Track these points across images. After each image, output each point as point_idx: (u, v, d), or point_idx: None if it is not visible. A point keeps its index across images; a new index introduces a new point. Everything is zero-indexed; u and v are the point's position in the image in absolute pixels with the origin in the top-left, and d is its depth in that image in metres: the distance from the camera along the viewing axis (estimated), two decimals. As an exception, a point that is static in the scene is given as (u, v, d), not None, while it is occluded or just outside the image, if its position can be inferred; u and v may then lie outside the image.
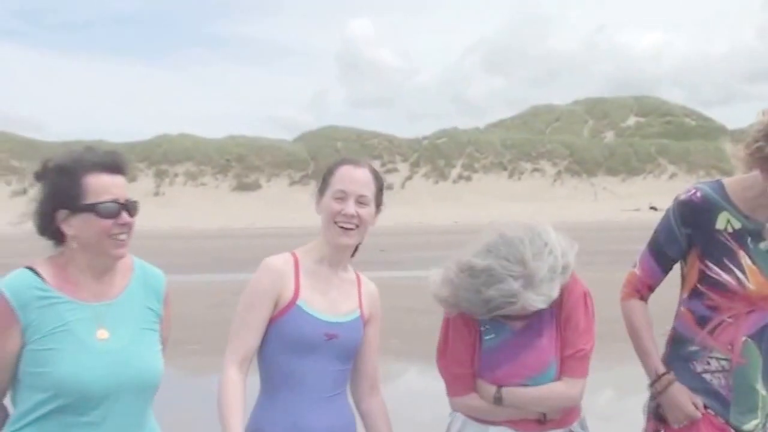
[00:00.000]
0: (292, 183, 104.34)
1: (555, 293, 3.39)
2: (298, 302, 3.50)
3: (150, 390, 3.24)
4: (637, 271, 3.66)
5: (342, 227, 3.50)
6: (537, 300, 3.36)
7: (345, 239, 3.53)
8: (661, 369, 3.58)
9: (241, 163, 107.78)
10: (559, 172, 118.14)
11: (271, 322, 3.50)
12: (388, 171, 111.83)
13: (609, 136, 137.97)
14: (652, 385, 3.58)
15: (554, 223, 3.54)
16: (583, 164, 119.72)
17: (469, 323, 3.59)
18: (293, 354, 3.48)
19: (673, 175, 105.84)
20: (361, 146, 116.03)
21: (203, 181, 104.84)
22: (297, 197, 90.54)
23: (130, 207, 3.19)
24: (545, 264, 3.35)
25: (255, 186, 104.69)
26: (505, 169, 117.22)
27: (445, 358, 3.68)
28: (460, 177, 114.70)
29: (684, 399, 3.50)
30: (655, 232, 3.63)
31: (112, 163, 3.16)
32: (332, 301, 3.57)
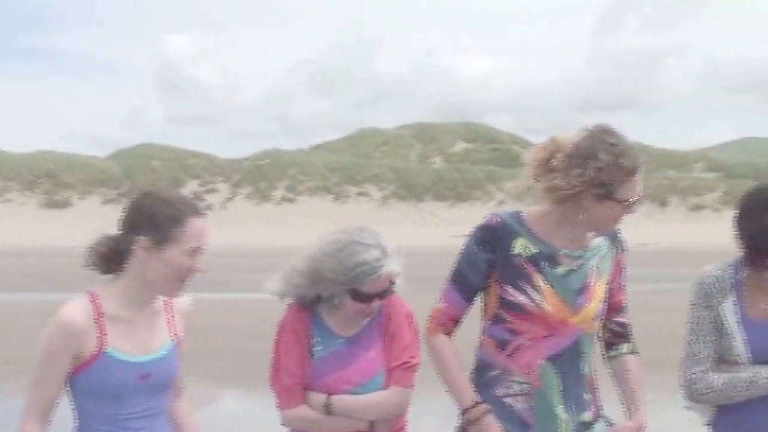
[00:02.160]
0: (106, 201, 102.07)
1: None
2: (106, 350, 3.42)
3: None
4: (441, 305, 3.72)
5: (184, 281, 3.45)
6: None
7: (183, 292, 3.49)
8: (476, 398, 3.62)
9: (51, 179, 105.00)
10: (385, 197, 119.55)
11: (77, 372, 3.42)
12: (208, 191, 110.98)
13: (437, 161, 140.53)
14: (465, 413, 3.62)
15: None
16: (410, 189, 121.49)
17: (300, 336, 3.82)
18: (108, 402, 3.43)
19: (501, 202, 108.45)
20: (179, 165, 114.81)
21: (9, 197, 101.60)
22: (111, 216, 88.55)
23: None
24: (387, 239, 3.84)
25: (65, 204, 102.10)
26: (329, 192, 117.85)
27: (276, 371, 3.84)
28: (283, 199, 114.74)
29: (496, 429, 3.57)
30: (456, 263, 3.71)
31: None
32: (142, 340, 3.48)
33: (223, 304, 20.30)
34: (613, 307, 3.78)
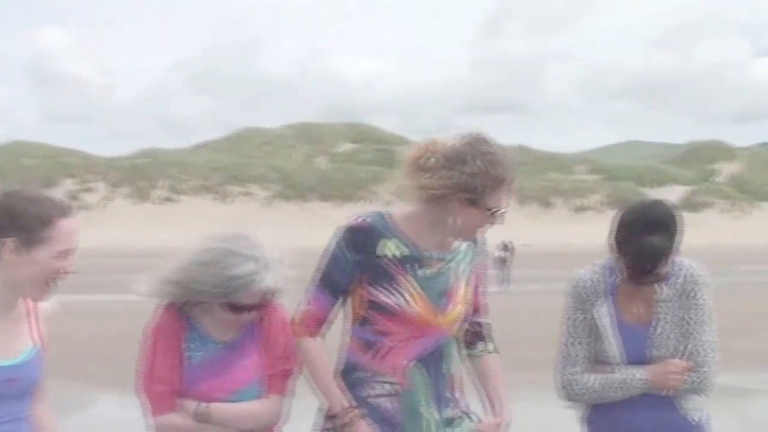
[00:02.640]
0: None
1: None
2: None
3: None
4: (308, 307, 3.70)
5: (53, 283, 3.32)
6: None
7: (50, 295, 3.36)
8: (348, 402, 3.64)
9: None
10: (270, 197, 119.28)
11: None
12: (86, 190, 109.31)
13: (322, 161, 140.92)
14: (337, 417, 3.63)
15: None
16: (295, 189, 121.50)
17: (173, 340, 3.69)
18: None
19: (387, 203, 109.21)
20: (55, 164, 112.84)
21: None
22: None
23: None
24: (269, 250, 3.66)
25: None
26: (212, 192, 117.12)
27: (148, 378, 3.70)
28: (164, 199, 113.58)
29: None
30: (323, 264, 3.71)
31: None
32: (5, 344, 3.34)
33: (98, 307, 19.96)
34: (474, 309, 3.86)
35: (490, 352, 3.88)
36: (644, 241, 3.77)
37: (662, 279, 3.86)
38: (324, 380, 3.67)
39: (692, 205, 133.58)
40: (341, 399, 3.63)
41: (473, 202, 3.56)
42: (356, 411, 3.61)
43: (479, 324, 3.88)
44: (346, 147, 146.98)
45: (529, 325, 19.24)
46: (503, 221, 3.65)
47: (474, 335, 3.86)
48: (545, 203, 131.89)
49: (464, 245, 3.75)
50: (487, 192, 3.55)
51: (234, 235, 3.73)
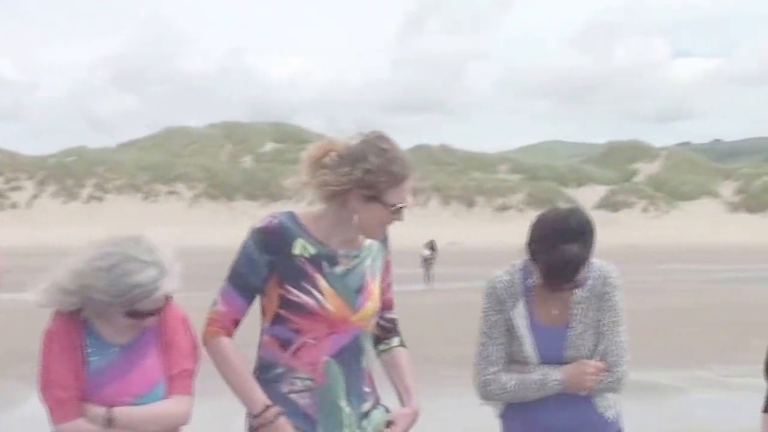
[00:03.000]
0: None
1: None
2: None
3: None
4: (220, 307, 3.70)
5: None
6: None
7: None
8: (268, 401, 3.65)
9: None
10: (196, 196, 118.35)
11: None
12: (12, 189, 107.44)
13: (247, 160, 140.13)
14: (256, 416, 3.64)
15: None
16: (221, 188, 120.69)
17: (71, 345, 3.62)
18: None
19: (311, 202, 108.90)
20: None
21: None
22: None
23: None
24: (164, 251, 3.60)
25: None
26: (139, 191, 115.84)
27: (47, 383, 3.62)
28: (91, 197, 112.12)
29: (289, 430, 3.62)
30: (234, 265, 3.73)
31: None
32: None
33: (27, 305, 19.69)
34: (384, 305, 3.91)
35: (399, 346, 3.94)
36: (561, 251, 3.81)
37: (578, 285, 3.92)
38: (242, 380, 3.67)
39: (612, 204, 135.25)
40: (262, 398, 3.64)
41: (373, 199, 3.63)
42: (275, 409, 3.62)
43: (391, 320, 3.94)
44: (270, 147, 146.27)
45: (452, 322, 19.36)
46: (403, 218, 3.70)
47: (385, 330, 3.92)
48: (468, 202, 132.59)
49: (372, 241, 3.80)
50: (385, 188, 3.61)
51: (129, 239, 3.65)
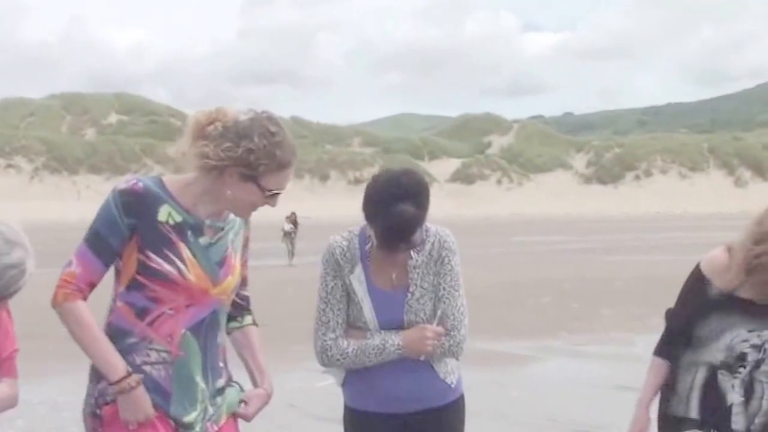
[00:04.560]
0: None
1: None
2: None
3: None
4: (76, 269, 3.60)
5: None
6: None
7: None
8: (129, 368, 3.59)
9: None
10: (36, 169, 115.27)
11: None
12: None
13: (90, 133, 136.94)
14: (116, 383, 3.56)
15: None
16: (63, 162, 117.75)
17: None
18: None
19: (159, 175, 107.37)
20: None
21: None
22: None
23: None
24: (19, 229, 3.44)
25: None
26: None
27: None
28: None
29: (147, 398, 3.59)
30: (93, 225, 3.64)
31: None
32: None
33: None
34: (241, 281, 3.88)
35: (252, 324, 3.96)
36: (394, 211, 3.88)
37: (414, 246, 4.01)
38: (100, 345, 3.59)
39: (467, 177, 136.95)
40: (122, 365, 3.58)
41: (250, 178, 3.60)
42: (137, 376, 3.58)
43: (244, 297, 3.94)
44: (114, 118, 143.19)
45: (305, 298, 19.46)
46: (276, 204, 3.72)
47: (238, 307, 3.92)
48: (322, 176, 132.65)
49: (234, 216, 3.78)
50: (265, 171, 3.59)
51: None
